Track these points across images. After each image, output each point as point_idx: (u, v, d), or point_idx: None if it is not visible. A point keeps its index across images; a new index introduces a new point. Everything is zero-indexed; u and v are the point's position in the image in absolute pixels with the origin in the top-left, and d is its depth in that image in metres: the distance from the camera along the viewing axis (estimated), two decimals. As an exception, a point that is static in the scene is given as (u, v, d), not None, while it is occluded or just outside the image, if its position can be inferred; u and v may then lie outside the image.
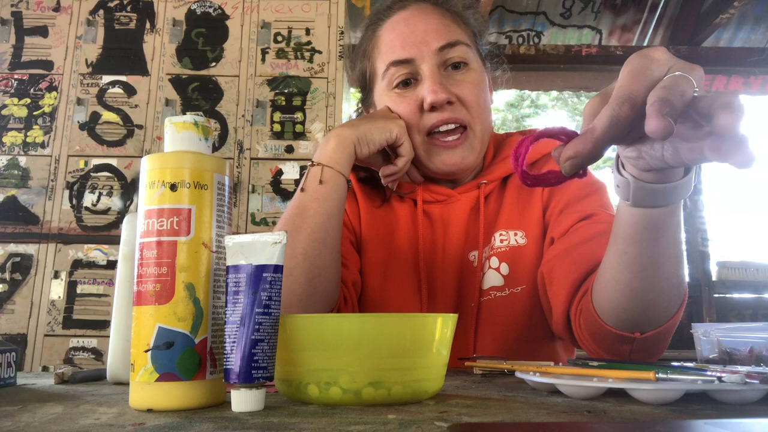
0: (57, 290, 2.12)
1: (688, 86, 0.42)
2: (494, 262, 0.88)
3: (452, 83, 0.85)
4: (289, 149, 2.23)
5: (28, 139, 2.24)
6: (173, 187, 0.45)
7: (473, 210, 0.91)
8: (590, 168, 0.49)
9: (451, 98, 0.84)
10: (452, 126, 0.85)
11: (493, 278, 0.87)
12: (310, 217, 0.77)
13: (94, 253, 2.15)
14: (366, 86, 0.95)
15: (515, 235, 0.89)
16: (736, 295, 2.96)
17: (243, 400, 0.41)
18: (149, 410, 0.43)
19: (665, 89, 0.42)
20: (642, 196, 0.53)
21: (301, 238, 0.76)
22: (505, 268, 0.87)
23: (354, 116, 1.01)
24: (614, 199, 0.64)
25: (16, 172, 2.21)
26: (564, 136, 0.49)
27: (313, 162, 0.80)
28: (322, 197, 0.78)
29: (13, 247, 2.16)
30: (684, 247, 0.61)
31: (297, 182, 2.20)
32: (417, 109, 0.85)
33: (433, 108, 0.84)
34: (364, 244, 0.92)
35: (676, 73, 0.43)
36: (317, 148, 0.83)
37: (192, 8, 2.35)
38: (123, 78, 2.29)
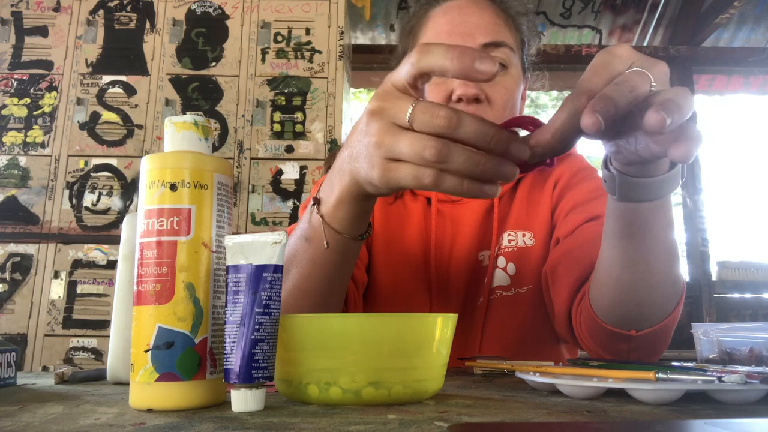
0: (57, 290, 2.12)
1: (641, 82, 0.43)
2: (501, 261, 0.88)
3: (486, 82, 0.84)
4: (289, 149, 2.23)
5: (28, 139, 2.24)
6: (173, 187, 0.45)
7: (487, 210, 0.91)
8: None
9: (480, 95, 0.82)
10: None
11: (499, 278, 0.88)
12: (303, 269, 0.63)
13: (94, 253, 2.15)
14: None
15: (523, 236, 0.89)
16: (736, 295, 2.96)
17: (243, 400, 0.41)
18: (149, 410, 0.43)
19: (615, 85, 0.43)
20: (627, 191, 0.53)
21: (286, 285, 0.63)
22: (511, 268, 0.88)
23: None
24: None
25: (16, 172, 2.21)
26: (531, 126, 0.49)
27: (318, 200, 0.60)
28: (320, 262, 0.62)
29: (13, 247, 2.16)
30: (678, 244, 0.61)
31: (297, 182, 2.20)
32: (445, 99, 0.84)
33: (460, 101, 0.82)
34: (375, 240, 0.92)
35: (634, 68, 0.44)
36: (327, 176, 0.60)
37: (192, 8, 2.35)
38: (123, 78, 2.29)
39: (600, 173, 0.56)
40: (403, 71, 0.48)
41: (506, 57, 0.85)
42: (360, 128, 0.51)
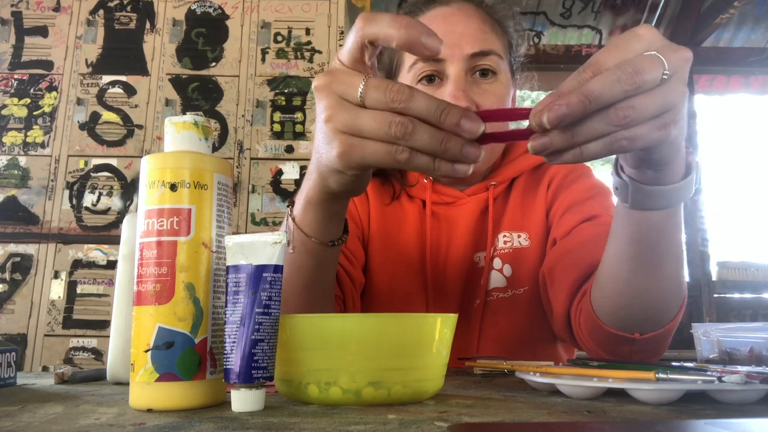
0: (57, 290, 2.12)
1: (649, 68, 0.42)
2: (497, 263, 0.88)
3: (476, 91, 0.83)
4: (289, 149, 2.23)
5: (28, 139, 2.24)
6: (173, 187, 0.45)
7: (482, 212, 0.90)
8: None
9: (470, 107, 0.81)
10: None
11: (495, 279, 0.87)
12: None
13: (94, 253, 2.15)
14: (391, 73, 0.92)
15: (519, 237, 0.89)
16: (736, 295, 2.96)
17: (243, 400, 0.41)
18: (149, 410, 0.43)
19: (616, 69, 0.42)
20: (640, 199, 0.52)
21: None
22: (507, 270, 0.87)
23: None
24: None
25: (16, 172, 2.21)
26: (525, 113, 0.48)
27: (292, 203, 0.61)
28: (296, 266, 0.62)
29: (13, 247, 2.16)
30: (684, 248, 0.61)
31: (297, 182, 2.20)
32: None
33: None
34: (371, 241, 0.92)
35: (650, 53, 0.43)
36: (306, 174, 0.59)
37: (192, 8, 2.35)
38: (123, 78, 2.29)
39: (611, 180, 0.56)
40: (349, 42, 0.47)
41: (494, 64, 0.84)
42: (316, 115, 0.50)
